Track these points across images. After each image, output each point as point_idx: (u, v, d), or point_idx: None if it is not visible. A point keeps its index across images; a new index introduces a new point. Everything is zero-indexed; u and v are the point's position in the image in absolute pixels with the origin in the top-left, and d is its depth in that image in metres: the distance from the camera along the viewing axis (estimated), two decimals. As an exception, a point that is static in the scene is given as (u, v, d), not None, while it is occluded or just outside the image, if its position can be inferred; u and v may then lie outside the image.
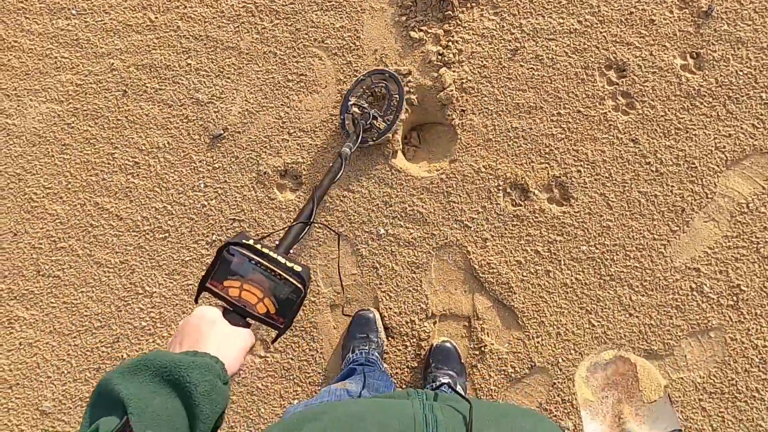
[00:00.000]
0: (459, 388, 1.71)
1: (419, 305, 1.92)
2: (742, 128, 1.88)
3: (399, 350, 1.90)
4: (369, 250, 1.96)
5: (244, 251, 0.86)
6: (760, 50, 1.90)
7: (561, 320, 1.87)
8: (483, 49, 2.01)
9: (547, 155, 1.94)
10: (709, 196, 1.87)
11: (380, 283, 1.94)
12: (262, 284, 0.85)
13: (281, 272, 0.86)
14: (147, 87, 2.13)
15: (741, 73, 1.89)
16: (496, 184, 1.94)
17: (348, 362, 1.76)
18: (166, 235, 2.05)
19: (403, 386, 1.87)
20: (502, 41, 2.00)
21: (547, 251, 1.90)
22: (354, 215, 1.98)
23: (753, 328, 1.81)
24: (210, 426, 0.70)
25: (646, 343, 1.83)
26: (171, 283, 2.01)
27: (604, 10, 1.98)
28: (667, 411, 1.06)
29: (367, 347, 1.77)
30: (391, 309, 1.93)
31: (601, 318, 1.85)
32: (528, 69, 1.98)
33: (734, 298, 1.82)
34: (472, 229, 1.93)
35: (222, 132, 2.06)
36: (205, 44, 2.13)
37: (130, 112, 2.13)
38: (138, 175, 2.09)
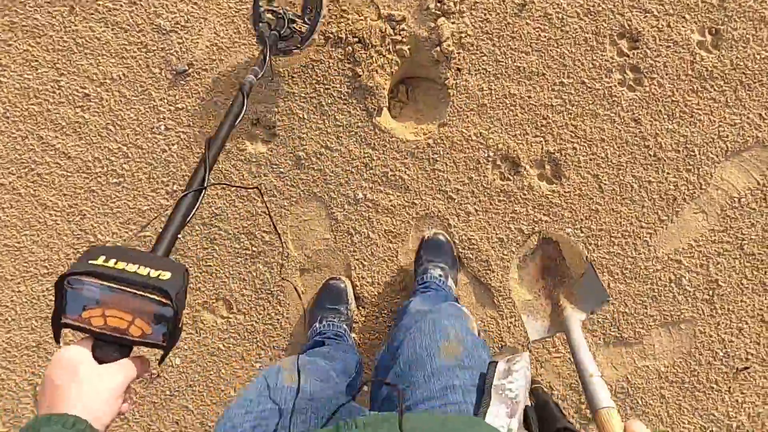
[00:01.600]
0: (450, 281, 1.68)
1: (393, 276, 1.84)
2: (748, 118, 1.77)
3: (370, 319, 1.83)
4: (344, 214, 1.83)
5: (89, 279, 0.72)
6: (783, 33, 1.76)
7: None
8: None
9: (543, 128, 1.80)
10: (703, 186, 1.79)
11: (354, 251, 1.84)
12: (127, 305, 0.72)
13: (140, 291, 0.72)
14: (99, 5, 1.83)
15: (758, 57, 1.76)
16: (486, 155, 1.80)
17: (315, 332, 1.69)
18: (121, 180, 1.85)
19: (371, 356, 1.83)
20: (510, -7, 1.79)
21: (531, 231, 1.82)
22: (330, 176, 1.82)
23: (723, 323, 1.81)
24: None
25: (617, 330, 1.82)
26: (126, 233, 1.85)
27: (626, -32, 1.77)
28: (595, 283, 1.04)
29: (336, 319, 1.70)
30: (363, 278, 1.84)
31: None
32: (534, 28, 1.79)
33: (710, 292, 1.81)
34: (456, 201, 1.82)
35: (186, 68, 1.81)
36: (168, -40, 1.83)
37: (78, 33, 1.84)
38: (88, 109, 1.85)
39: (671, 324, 1.82)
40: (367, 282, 1.84)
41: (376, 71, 1.78)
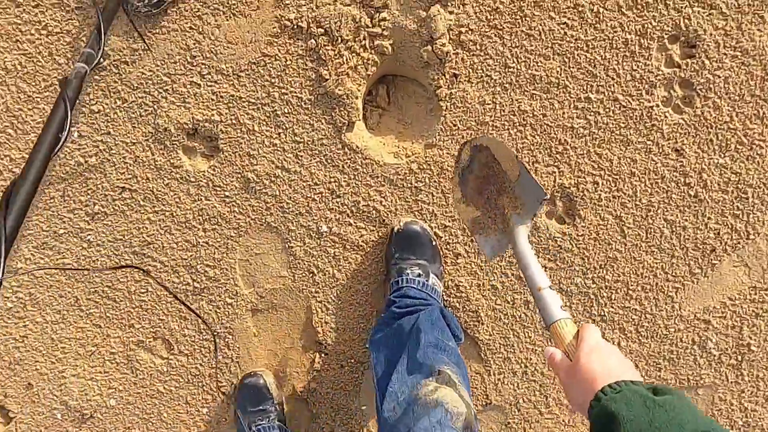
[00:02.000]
0: (432, 279, 1.39)
1: (362, 324, 1.54)
2: (824, 154, 1.38)
3: (332, 370, 1.56)
4: (305, 249, 1.49)
5: None
6: None
7: (531, 358, 1.54)
8: (500, -19, 1.32)
9: (558, 155, 1.41)
10: (751, 236, 1.44)
11: (316, 291, 1.52)
12: None
13: None
14: (-21, -32, 1.38)
15: None
16: (483, 186, 1.43)
17: None
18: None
19: (331, 418, 1.58)
20: (531, -27, 1.32)
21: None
22: (288, 203, 1.46)
23: (748, 390, 1.54)
24: None
25: (623, 395, 1.54)
26: (41, 258, 1.53)
27: (694, -55, 1.29)
28: (530, 183, 0.99)
29: (265, 421, 1.43)
30: (327, 323, 1.54)
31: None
32: (559, 24, 1.34)
33: (739, 357, 1.51)
34: (443, 239, 1.47)
35: (101, 60, 1.39)
36: None
37: (-44, 5, 1.40)
38: (-20, 106, 1.45)
39: (687, 389, 1.54)
40: (331, 328, 1.54)
41: (347, 74, 1.36)
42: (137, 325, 1.56)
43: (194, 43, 1.38)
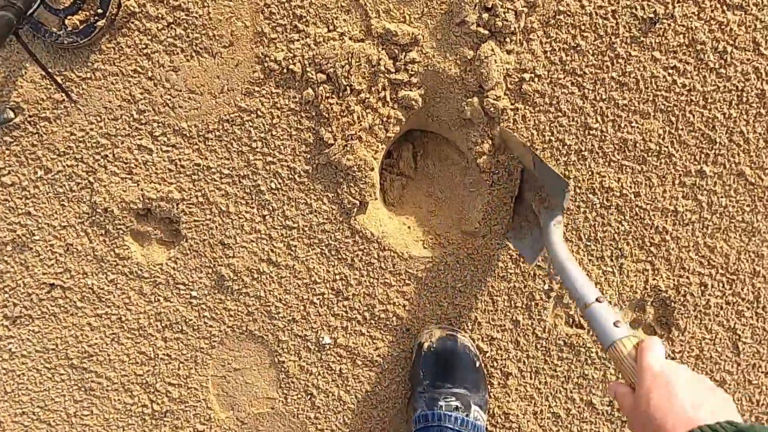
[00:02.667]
0: (475, 412, 1.00)
1: (378, 459, 1.16)
2: None
3: None
4: (300, 365, 1.10)
5: None
6: None
7: (601, 503, 1.16)
8: (582, 4, 0.91)
9: (654, 248, 1.01)
10: None
11: (316, 417, 1.13)
12: None
13: None
14: None
15: None
16: (544, 287, 1.04)
17: None
18: (-72, 293, 1.11)
19: None
20: (629, -5, 0.90)
21: (609, 405, 1.10)
22: (277, 306, 1.07)
23: None
24: None
25: None
26: (-50, 372, 1.14)
27: None
28: (548, 172, 0.84)
29: None
30: (331, 458, 1.15)
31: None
32: (666, 69, 0.93)
33: None
34: (489, 355, 1.08)
35: (10, 114, 0.98)
36: None
37: None
38: None
39: None
40: (337, 464, 1.16)
41: (359, 138, 0.95)
42: (81, 454, 1.18)
43: (141, 93, 0.97)
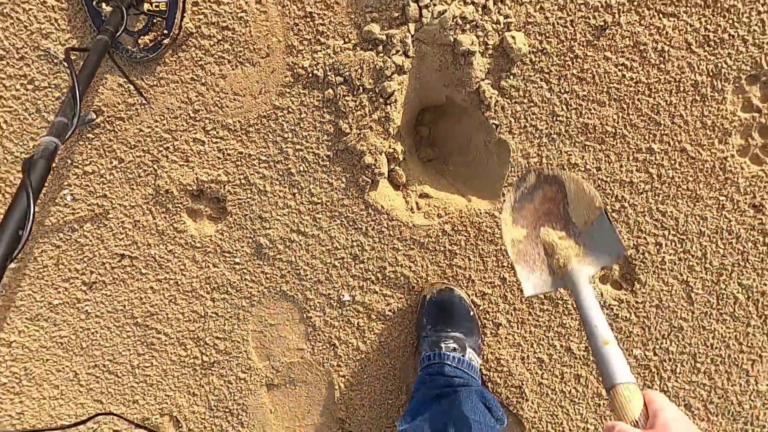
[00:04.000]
0: (470, 353, 1.22)
1: (390, 400, 1.37)
2: None
3: (358, 450, 1.40)
4: (325, 320, 1.33)
5: None
6: None
7: (583, 438, 1.36)
8: (546, 18, 1.14)
9: (615, 213, 1.22)
10: (842, 302, 1.24)
11: (338, 365, 1.36)
12: None
13: None
14: (-44, 17, 1.23)
15: None
16: (527, 249, 1.25)
17: None
18: (20, 263, 1.35)
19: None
20: (582, 7, 1.13)
21: (584, 349, 1.31)
22: (305, 270, 1.30)
23: (836, 474, 1.34)
24: None
25: (689, 479, 1.35)
26: (36, 331, 1.38)
27: (779, -30, 1.08)
28: (609, 234, 0.88)
29: None
30: (350, 400, 1.37)
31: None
32: (617, 65, 1.15)
33: (826, 438, 1.31)
34: (482, 308, 1.30)
35: (93, 116, 1.24)
36: (50, -55, 1.18)
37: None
38: (-36, 168, 1.31)
39: (764, 473, 1.35)
40: (355, 404, 1.37)
41: (371, 127, 1.19)
42: (141, 400, 1.41)
43: (197, 96, 1.22)
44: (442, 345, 1.20)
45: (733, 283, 1.24)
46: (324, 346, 1.35)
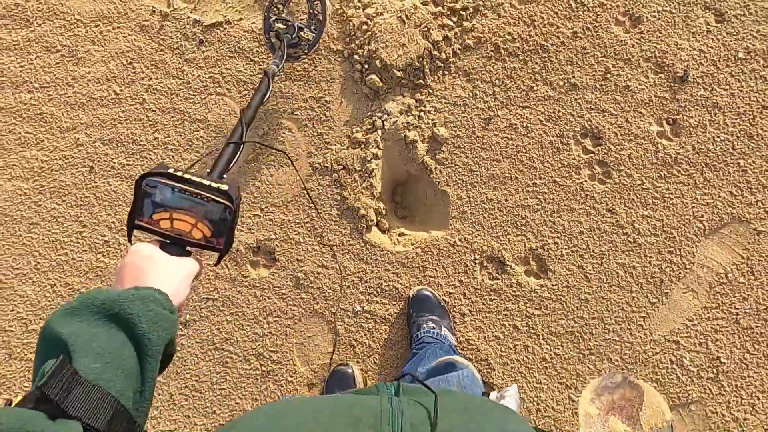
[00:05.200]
0: (445, 331, 1.76)
1: (397, 384, 1.90)
2: (719, 196, 1.85)
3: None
4: (345, 327, 1.93)
5: (164, 180, 0.84)
6: (738, 115, 1.86)
7: (540, 396, 1.85)
8: (456, 117, 1.96)
9: (523, 227, 1.91)
10: (688, 266, 1.84)
11: (357, 361, 1.92)
12: (191, 210, 0.84)
13: (207, 194, 0.84)
14: (114, 162, 2.08)
15: (718, 140, 1.86)
16: (472, 258, 1.91)
17: None
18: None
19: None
20: (476, 110, 1.96)
21: (525, 326, 1.87)
22: (329, 292, 1.94)
23: (733, 401, 1.79)
24: (159, 355, 0.69)
25: (626, 418, 1.81)
26: (145, 364, 1.98)
27: (578, 76, 1.93)
28: None
29: None
30: (367, 386, 1.90)
31: (580, 393, 1.83)
32: (502, 138, 1.94)
33: (714, 370, 1.80)
34: (450, 303, 1.90)
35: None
36: (172, 117, 2.08)
37: (97, 188, 2.08)
38: (108, 253, 2.04)
39: (680, 406, 1.81)
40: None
41: (362, 192, 1.94)
42: (218, 411, 1.94)
43: (255, 188, 2.01)
44: (424, 325, 1.80)
45: (612, 263, 1.87)
46: (346, 348, 1.93)
